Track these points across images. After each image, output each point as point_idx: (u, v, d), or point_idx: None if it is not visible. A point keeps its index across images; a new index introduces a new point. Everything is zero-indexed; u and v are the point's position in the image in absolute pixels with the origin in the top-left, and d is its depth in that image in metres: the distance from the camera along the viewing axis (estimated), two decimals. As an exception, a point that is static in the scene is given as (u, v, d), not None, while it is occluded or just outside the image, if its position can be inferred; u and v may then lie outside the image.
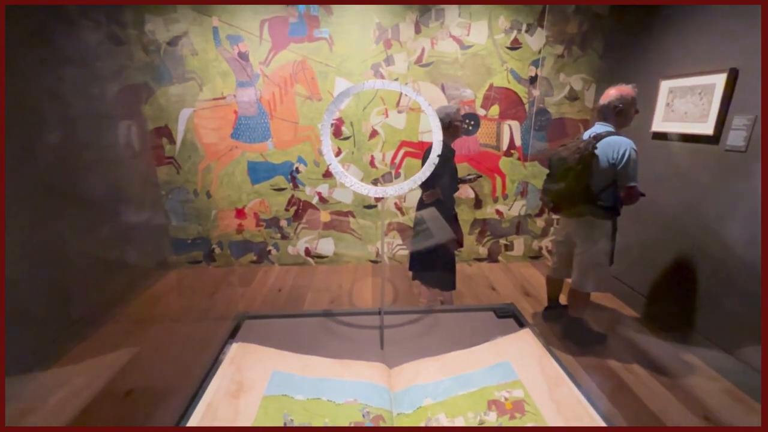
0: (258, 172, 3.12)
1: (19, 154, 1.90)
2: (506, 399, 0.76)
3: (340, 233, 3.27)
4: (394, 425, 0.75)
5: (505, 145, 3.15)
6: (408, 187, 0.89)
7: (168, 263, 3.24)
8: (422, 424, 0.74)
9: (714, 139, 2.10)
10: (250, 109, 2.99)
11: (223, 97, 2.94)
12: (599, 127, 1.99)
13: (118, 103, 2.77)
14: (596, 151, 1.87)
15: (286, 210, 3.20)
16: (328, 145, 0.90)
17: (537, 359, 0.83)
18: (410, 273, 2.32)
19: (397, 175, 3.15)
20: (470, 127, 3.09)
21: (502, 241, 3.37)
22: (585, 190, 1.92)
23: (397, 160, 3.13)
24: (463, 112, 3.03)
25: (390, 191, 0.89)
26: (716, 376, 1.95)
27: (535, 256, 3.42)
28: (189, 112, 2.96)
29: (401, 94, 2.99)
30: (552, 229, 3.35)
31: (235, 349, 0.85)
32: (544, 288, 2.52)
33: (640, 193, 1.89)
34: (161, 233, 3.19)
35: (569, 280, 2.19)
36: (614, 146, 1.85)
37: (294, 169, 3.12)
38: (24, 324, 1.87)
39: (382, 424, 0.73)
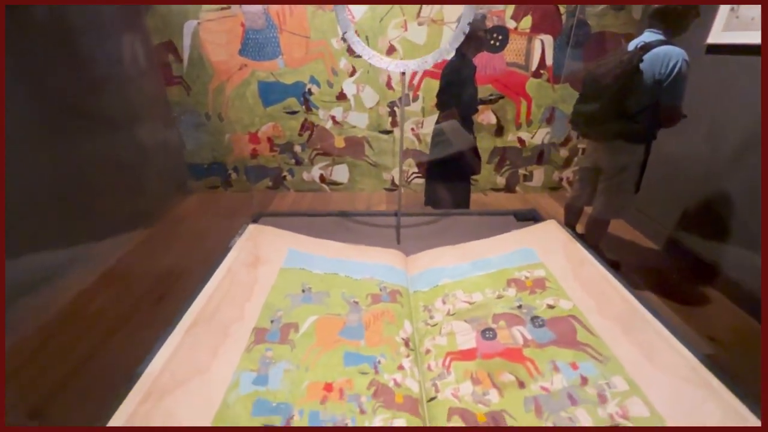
0: (269, 93, 2.98)
1: (22, 69, 1.82)
2: (527, 278, 0.74)
3: (354, 160, 3.20)
4: (411, 300, 0.76)
5: (534, 65, 2.87)
6: (432, 60, 0.79)
7: (187, 188, 3.28)
8: (439, 300, 0.74)
9: (782, 48, 1.83)
10: (257, 22, 2.76)
11: (228, 7, 2.71)
12: (649, 35, 1.74)
13: (118, 14, 2.58)
14: (641, 65, 1.65)
15: (300, 135, 3.11)
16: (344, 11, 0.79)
17: (561, 245, 0.80)
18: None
19: (415, 98, 2.97)
20: (497, 43, 2.80)
21: (522, 171, 3.24)
22: (622, 111, 1.74)
23: (415, 81, 2.93)
24: (490, 24, 2.73)
25: (411, 65, 0.80)
26: (732, 306, 1.93)
27: (554, 188, 3.31)
28: (194, 25, 2.76)
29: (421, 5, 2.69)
30: (576, 159, 3.19)
31: (251, 229, 0.85)
32: (561, 218, 2.46)
33: (683, 114, 1.71)
34: (178, 158, 3.19)
35: (588, 209, 2.11)
36: (663, 58, 1.62)
37: (306, 90, 2.96)
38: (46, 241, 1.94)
39: (399, 298, 0.74)
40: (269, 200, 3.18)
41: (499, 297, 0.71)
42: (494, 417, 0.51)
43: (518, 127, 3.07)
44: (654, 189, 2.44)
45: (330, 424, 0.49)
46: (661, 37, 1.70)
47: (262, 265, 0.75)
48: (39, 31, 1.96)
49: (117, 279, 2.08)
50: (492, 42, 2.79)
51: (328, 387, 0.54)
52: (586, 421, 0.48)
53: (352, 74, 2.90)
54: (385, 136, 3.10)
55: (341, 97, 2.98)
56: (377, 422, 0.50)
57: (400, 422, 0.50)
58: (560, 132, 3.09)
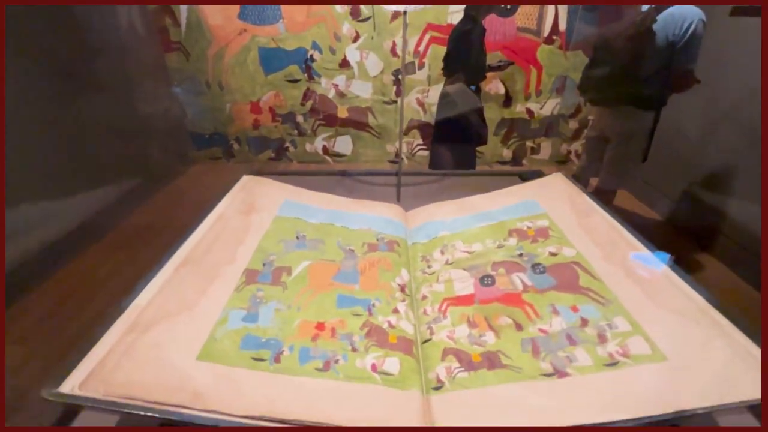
0: (270, 60, 2.89)
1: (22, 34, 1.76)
2: (529, 228, 0.71)
3: (358, 131, 3.13)
4: (409, 251, 0.74)
5: (546, 30, 2.74)
6: (436, -4, 0.74)
7: (188, 158, 3.25)
8: (437, 250, 0.72)
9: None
10: (257, -18, 2.64)
11: (226, -34, 2.59)
12: None
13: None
14: (654, 26, 1.55)
15: (302, 104, 3.03)
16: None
17: (567, 197, 0.77)
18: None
19: (421, 66, 2.86)
20: (508, 6, 2.66)
21: (529, 144, 3.16)
22: (633, 75, 1.66)
23: (421, 48, 2.81)
24: (501, -14, 2.58)
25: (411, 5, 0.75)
26: (732, 275, 1.89)
27: (562, 161, 3.22)
28: (191, -14, 2.65)
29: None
30: (585, 131, 3.09)
31: (245, 179, 0.83)
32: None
33: (696, 78, 1.62)
34: (179, 127, 3.14)
35: (594, 181, 2.05)
36: (678, 18, 1.52)
37: (308, 57, 2.86)
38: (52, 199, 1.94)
39: (396, 248, 0.71)
40: (272, 172, 3.14)
41: (500, 246, 0.68)
42: (489, 357, 0.49)
43: (527, 97, 2.96)
44: (661, 159, 2.36)
45: (320, 360, 0.48)
46: None
47: (256, 213, 0.73)
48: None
49: (120, 242, 2.09)
50: (503, 5, 2.65)
51: (320, 326, 0.53)
52: (584, 360, 0.46)
53: (355, 40, 2.79)
54: (389, 106, 3.01)
55: (344, 64, 2.88)
56: (369, 360, 0.49)
57: (392, 360, 0.49)
58: (570, 103, 2.98)
